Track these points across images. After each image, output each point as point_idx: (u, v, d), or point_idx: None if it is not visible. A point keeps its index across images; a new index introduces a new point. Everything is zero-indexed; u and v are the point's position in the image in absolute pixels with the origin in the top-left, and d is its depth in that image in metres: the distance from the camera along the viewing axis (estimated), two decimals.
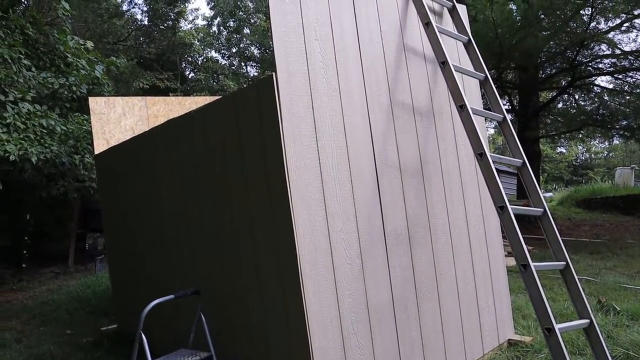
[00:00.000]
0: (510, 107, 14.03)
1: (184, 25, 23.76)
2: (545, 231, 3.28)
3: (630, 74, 12.24)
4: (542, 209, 3.30)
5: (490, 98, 3.69)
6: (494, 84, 13.81)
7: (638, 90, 11.91)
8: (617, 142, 54.33)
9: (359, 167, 3.15)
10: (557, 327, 2.68)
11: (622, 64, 12.33)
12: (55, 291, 9.08)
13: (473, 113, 3.26)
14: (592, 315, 3.02)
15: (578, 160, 56.63)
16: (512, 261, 8.61)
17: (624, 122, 11.93)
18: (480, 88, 4.30)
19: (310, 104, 2.94)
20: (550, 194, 28.39)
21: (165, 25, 21.82)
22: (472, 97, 4.20)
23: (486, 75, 3.73)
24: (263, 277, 3.10)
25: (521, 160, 3.44)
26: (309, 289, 2.77)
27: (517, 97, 14.27)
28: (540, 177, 37.45)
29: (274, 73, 2.79)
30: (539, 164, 14.31)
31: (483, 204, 4.21)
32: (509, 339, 4.40)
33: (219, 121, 3.37)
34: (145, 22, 22.25)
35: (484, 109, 4.27)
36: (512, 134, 3.51)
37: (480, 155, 3.14)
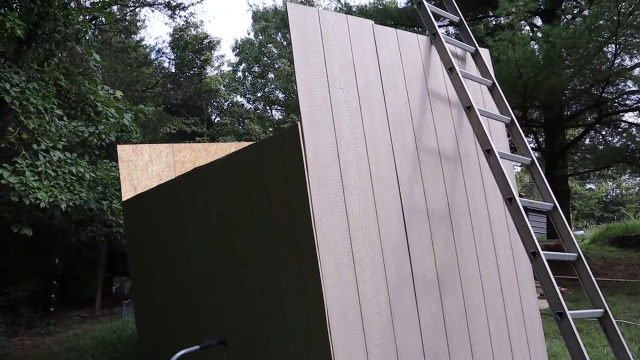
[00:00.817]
0: (536, 145, 13.87)
1: (210, 72, 24.43)
2: (581, 277, 3.17)
3: None
4: (576, 254, 3.20)
5: (517, 141, 3.65)
6: (519, 123, 13.72)
7: None
8: None
9: (386, 214, 3.12)
10: None
11: None
12: (81, 336, 9.08)
13: (501, 157, 3.21)
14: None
15: (608, 197, 55.39)
16: (545, 303, 8.34)
17: None
18: (506, 130, 4.26)
19: (336, 153, 2.94)
20: (582, 231, 27.69)
21: (192, 72, 22.46)
22: (499, 140, 4.16)
23: (512, 118, 3.70)
24: (289, 330, 3.04)
25: (552, 204, 3.36)
26: (337, 339, 2.70)
27: (544, 135, 14.13)
28: (570, 214, 36.70)
29: (299, 122, 2.81)
30: (569, 202, 14.01)
31: (514, 247, 4.10)
32: None
33: (244, 171, 3.39)
34: (173, 70, 22.95)
35: (511, 151, 4.23)
36: (541, 177, 3.44)
37: (509, 200, 3.07)
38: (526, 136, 14.72)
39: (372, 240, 3.00)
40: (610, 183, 56.91)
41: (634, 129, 12.96)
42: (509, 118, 3.70)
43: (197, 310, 4.14)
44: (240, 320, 3.56)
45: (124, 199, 5.77)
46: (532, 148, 16.28)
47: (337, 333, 2.71)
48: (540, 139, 14.10)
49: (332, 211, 2.85)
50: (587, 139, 14.07)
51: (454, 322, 3.42)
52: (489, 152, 3.22)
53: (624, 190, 56.67)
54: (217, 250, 3.79)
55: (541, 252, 2.88)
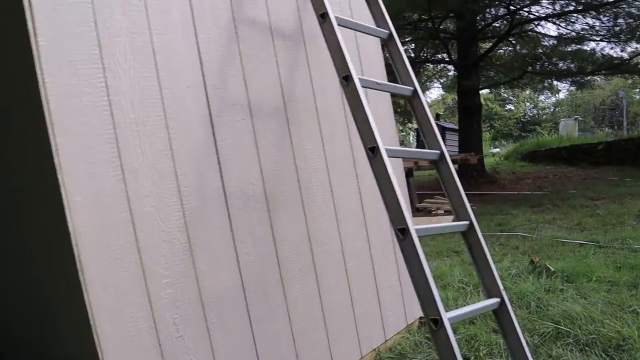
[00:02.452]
0: (448, 58, 13.29)
1: None
2: (443, 180, 2.47)
3: (568, 18, 11.64)
4: (438, 151, 2.48)
5: (395, 59, 2.74)
6: (430, 34, 13.03)
7: (574, 34, 11.34)
8: (563, 97, 55.29)
9: (178, 105, 2.23)
10: (446, 316, 1.88)
11: (562, 9, 11.71)
12: None
13: (339, 24, 2.37)
14: (504, 294, 2.24)
15: (526, 117, 57.37)
16: (445, 219, 7.99)
17: (564, 68, 11.38)
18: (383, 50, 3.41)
19: (92, 16, 1.98)
20: (498, 149, 28.32)
21: None
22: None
23: (390, 33, 2.77)
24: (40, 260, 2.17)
25: (412, 88, 2.59)
26: (93, 280, 1.86)
27: (456, 47, 13.55)
28: (488, 133, 37.41)
29: None
30: (480, 117, 13.74)
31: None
32: (420, 318, 3.65)
33: None
34: None
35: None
36: (400, 55, 2.64)
37: (345, 80, 2.26)
38: (439, 49, 14.11)
39: (155, 141, 2.12)
40: (528, 103, 58.96)
41: (545, 40, 12.55)
42: (387, 32, 2.77)
43: None
44: None
45: None
46: (444, 61, 15.76)
47: (94, 271, 1.87)
48: (453, 53, 13.51)
49: (84, 99, 1.93)
50: (501, 51, 13.57)
51: (290, 248, 2.68)
52: (323, 16, 2.36)
53: (540, 110, 58.87)
54: None
55: (382, 148, 2.12)
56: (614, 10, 10.50)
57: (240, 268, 2.40)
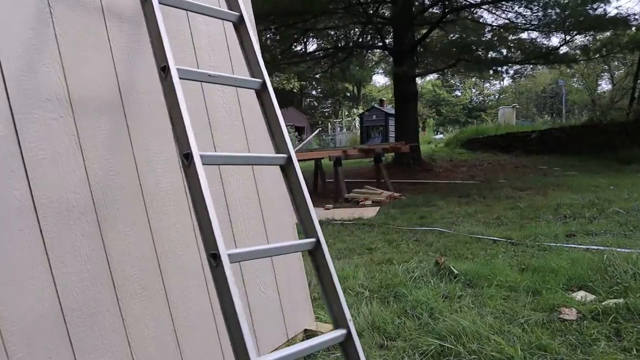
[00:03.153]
0: (381, 44, 13.02)
1: None
2: (291, 189, 2.10)
3: (501, 6, 11.56)
4: (285, 155, 2.11)
5: (246, 46, 2.32)
6: (367, 21, 12.71)
7: (506, 22, 11.27)
8: (507, 84, 56.62)
9: None
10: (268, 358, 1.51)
11: None
12: None
13: (160, 2, 1.96)
14: (351, 325, 1.90)
15: (472, 103, 58.49)
16: (371, 210, 7.74)
17: (494, 55, 11.31)
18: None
19: None
20: (441, 135, 28.58)
21: None
22: None
23: (241, 15, 2.34)
24: None
25: (260, 80, 2.20)
26: None
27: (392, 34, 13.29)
28: (432, 119, 37.76)
29: None
30: (417, 104, 13.60)
31: (250, 144, 3.00)
32: (305, 330, 3.33)
33: None
34: None
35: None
36: (250, 43, 2.25)
37: (163, 71, 1.85)
38: (374, 34, 13.82)
39: None
40: (474, 90, 60.11)
41: (475, 27, 12.44)
42: (237, 14, 2.36)
43: None
44: None
45: None
46: (378, 47, 15.53)
47: None
48: (388, 39, 13.25)
49: None
50: (434, 37, 13.40)
51: (130, 263, 2.27)
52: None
53: (485, 97, 60.20)
54: None
55: (197, 155, 1.73)
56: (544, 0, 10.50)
57: (58, 290, 1.97)
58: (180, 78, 1.91)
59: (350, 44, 13.73)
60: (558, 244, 4.74)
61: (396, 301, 3.64)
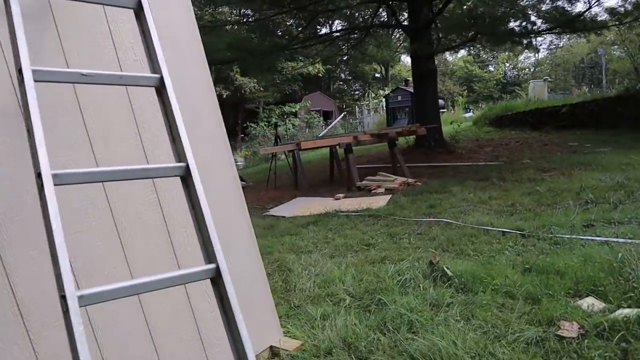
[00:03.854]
0: (396, 22, 12.38)
1: None
2: (192, 204, 1.70)
3: None
4: (183, 164, 1.71)
5: (146, 37, 1.91)
6: None
7: None
8: (543, 56, 54.49)
9: None
10: None
11: None
12: None
13: None
14: None
15: (506, 78, 56.54)
16: (383, 199, 7.24)
17: (514, 26, 10.54)
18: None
19: None
20: (470, 113, 27.59)
21: None
22: None
23: (139, 2, 1.93)
24: None
25: (157, 76, 1.79)
26: None
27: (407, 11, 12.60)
28: (461, 96, 36.54)
29: None
30: (436, 83, 12.91)
31: (201, 150, 2.61)
32: (271, 346, 2.96)
33: None
34: None
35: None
36: (149, 34, 1.84)
37: (20, 73, 1.48)
38: (388, 14, 13.13)
39: None
40: (508, 64, 58.12)
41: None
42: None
43: None
44: None
45: None
46: (392, 25, 14.82)
47: None
48: (402, 17, 12.58)
49: None
50: (452, 10, 12.61)
51: (37, 288, 1.92)
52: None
53: (519, 71, 58.13)
54: None
55: (45, 173, 1.35)
56: None
57: None
58: (37, 81, 1.53)
59: (364, 24, 13.12)
60: (573, 236, 4.19)
61: (378, 311, 3.23)
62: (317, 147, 9.98)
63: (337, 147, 9.26)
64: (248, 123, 35.11)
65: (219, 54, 11.09)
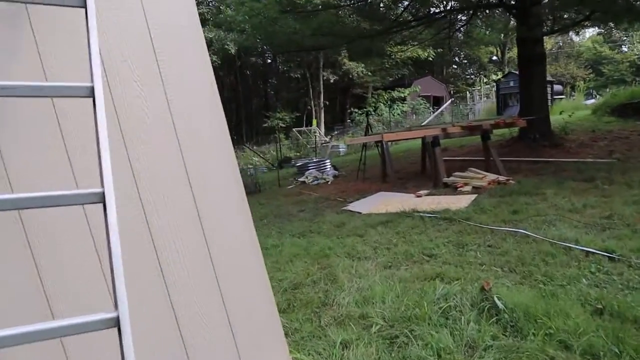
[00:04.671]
0: (500, 1, 11.31)
1: None
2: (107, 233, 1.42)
3: None
4: (100, 190, 1.43)
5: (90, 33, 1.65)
6: None
7: None
8: None
9: None
10: None
11: None
12: None
13: None
14: None
15: None
16: (467, 198, 6.58)
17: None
18: None
19: None
20: (593, 100, 25.05)
21: None
22: None
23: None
24: None
25: (88, 85, 1.52)
26: None
27: None
28: (583, 81, 33.24)
29: None
30: (544, 69, 11.65)
31: (199, 158, 2.34)
32: None
33: None
34: None
35: None
36: (88, 30, 1.57)
37: None
38: None
39: None
40: None
41: None
42: None
43: None
44: None
45: None
46: (495, 5, 13.57)
47: None
48: None
49: None
50: None
51: None
52: None
53: None
54: None
55: None
56: None
57: None
58: None
59: (465, 4, 12.18)
60: None
61: (403, 346, 2.80)
62: (400, 140, 9.41)
63: (424, 139, 8.67)
64: (352, 109, 34.85)
65: (308, 39, 10.86)
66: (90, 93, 1.57)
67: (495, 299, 3.09)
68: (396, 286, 3.76)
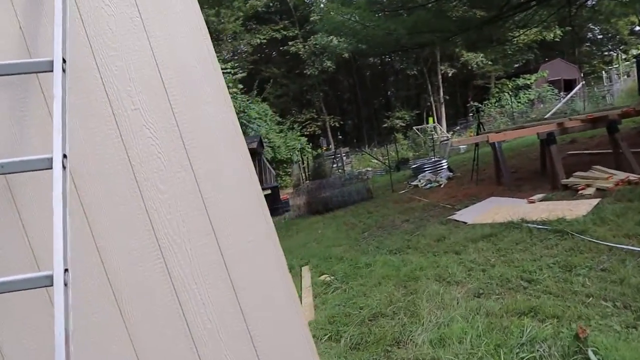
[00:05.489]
0: None
1: None
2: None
3: None
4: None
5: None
6: None
7: None
8: None
9: None
10: None
11: None
12: None
13: None
14: None
15: None
16: (585, 204, 5.70)
17: None
18: None
19: None
20: None
21: None
22: None
23: None
24: None
25: (47, 59, 1.39)
26: None
27: None
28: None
29: None
30: None
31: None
32: None
33: None
34: None
35: None
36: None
37: None
38: None
39: None
40: None
41: None
42: None
43: None
44: None
45: None
46: None
47: None
48: None
49: None
50: None
51: None
52: None
53: None
54: None
55: None
56: None
57: None
58: None
59: None
60: None
61: None
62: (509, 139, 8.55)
63: (537, 136, 7.79)
64: (472, 103, 33.10)
65: (406, 38, 10.38)
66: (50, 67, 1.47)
67: (590, 353, 2.52)
68: (478, 324, 3.28)
